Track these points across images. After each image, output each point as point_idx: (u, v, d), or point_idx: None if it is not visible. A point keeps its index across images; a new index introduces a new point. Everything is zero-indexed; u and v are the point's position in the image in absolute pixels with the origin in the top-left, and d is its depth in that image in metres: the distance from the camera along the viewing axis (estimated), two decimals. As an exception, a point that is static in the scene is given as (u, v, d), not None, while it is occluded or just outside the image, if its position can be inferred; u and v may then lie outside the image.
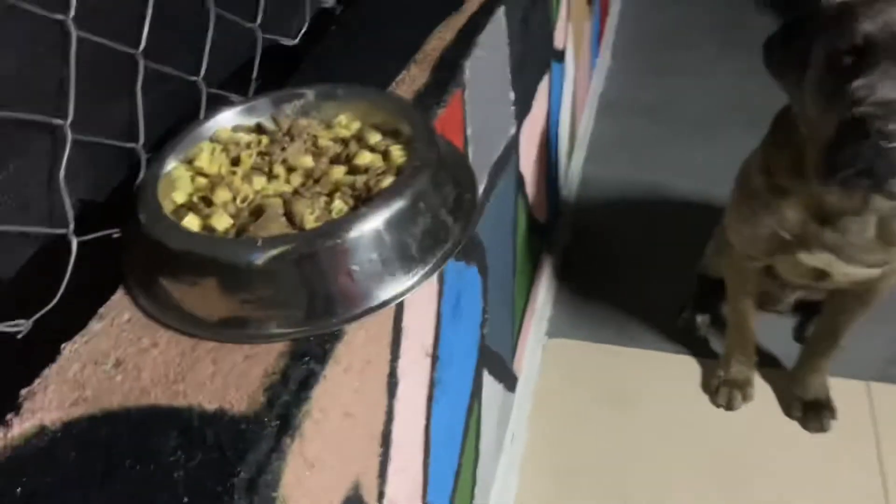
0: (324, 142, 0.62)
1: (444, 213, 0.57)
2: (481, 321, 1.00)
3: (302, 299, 0.53)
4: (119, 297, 0.58)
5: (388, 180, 0.56)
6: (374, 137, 0.63)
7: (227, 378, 0.51)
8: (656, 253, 1.71)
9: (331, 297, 0.53)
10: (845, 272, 1.06)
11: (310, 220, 0.55)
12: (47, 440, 0.48)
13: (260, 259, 0.51)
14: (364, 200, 0.56)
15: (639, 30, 2.56)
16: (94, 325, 0.55)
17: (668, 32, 2.55)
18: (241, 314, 0.54)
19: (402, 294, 0.54)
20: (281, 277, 0.52)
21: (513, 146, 1.09)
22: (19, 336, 0.53)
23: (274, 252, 0.51)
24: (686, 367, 1.46)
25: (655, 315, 1.56)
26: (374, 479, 0.65)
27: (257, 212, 0.56)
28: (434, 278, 0.58)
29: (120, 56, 0.60)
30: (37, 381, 0.51)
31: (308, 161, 0.61)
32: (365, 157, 0.59)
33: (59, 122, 0.53)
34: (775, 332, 1.48)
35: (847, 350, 1.34)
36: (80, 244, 0.57)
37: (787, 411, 1.36)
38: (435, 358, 0.78)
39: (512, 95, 1.05)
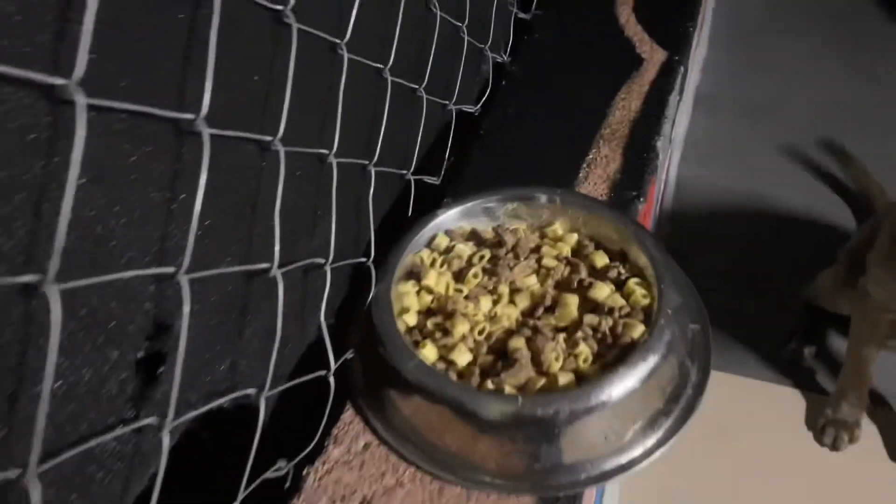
0: (548, 260, 0.61)
1: (686, 359, 0.56)
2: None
3: (548, 456, 0.52)
4: (350, 417, 0.58)
5: (637, 329, 0.54)
6: (601, 259, 0.61)
7: (483, 532, 0.51)
8: (755, 271, 1.67)
9: (578, 461, 0.52)
10: None
11: (555, 366, 0.54)
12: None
13: (521, 411, 0.50)
14: (608, 346, 0.54)
15: (737, 15, 2.44)
16: (333, 451, 0.56)
17: (769, 19, 2.43)
18: (484, 461, 0.53)
19: (651, 452, 0.53)
20: (539, 434, 0.51)
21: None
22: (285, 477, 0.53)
23: (540, 411, 0.50)
24: (789, 400, 1.45)
25: (755, 339, 1.54)
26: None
27: (497, 349, 0.55)
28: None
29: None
30: (290, 514, 0.52)
31: (534, 283, 0.59)
32: (602, 292, 0.57)
33: (320, 260, 0.52)
34: (887, 368, 1.45)
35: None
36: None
37: (893, 455, 1.35)
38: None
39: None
